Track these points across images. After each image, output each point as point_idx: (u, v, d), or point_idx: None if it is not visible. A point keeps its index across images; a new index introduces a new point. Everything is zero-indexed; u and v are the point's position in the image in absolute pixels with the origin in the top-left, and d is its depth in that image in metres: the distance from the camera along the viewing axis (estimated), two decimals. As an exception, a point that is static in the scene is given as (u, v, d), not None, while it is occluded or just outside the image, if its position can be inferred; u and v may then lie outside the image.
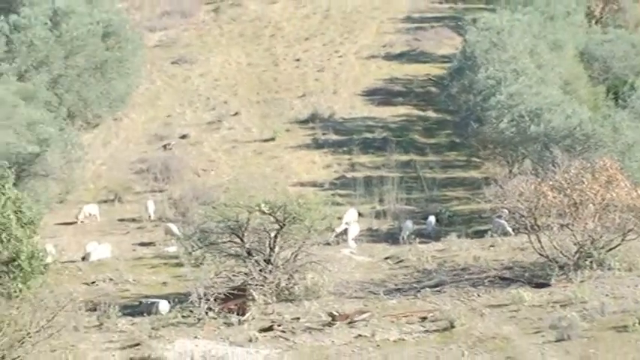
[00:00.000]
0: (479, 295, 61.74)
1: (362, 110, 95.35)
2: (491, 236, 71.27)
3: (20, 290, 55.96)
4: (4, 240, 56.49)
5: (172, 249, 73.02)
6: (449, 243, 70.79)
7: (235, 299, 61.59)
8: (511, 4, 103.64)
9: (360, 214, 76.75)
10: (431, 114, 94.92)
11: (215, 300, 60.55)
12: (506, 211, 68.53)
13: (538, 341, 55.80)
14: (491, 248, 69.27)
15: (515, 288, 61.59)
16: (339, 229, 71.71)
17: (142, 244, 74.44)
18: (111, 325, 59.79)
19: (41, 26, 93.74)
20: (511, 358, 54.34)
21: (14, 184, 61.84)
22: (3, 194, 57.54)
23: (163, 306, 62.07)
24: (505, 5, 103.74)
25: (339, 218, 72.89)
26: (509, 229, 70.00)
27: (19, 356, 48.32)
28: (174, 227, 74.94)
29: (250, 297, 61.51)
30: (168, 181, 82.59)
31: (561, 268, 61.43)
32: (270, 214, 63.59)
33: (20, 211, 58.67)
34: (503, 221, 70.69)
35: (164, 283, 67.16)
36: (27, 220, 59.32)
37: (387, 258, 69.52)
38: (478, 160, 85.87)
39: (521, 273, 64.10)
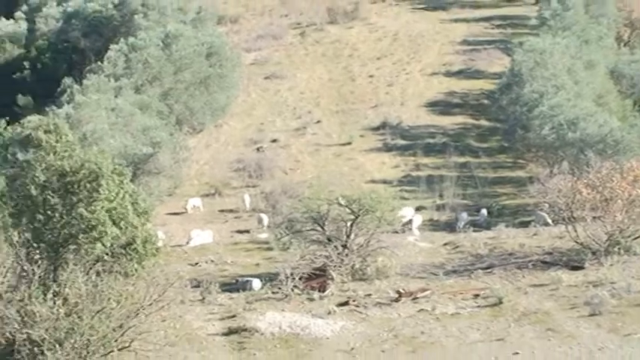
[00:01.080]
0: (523, 276, 62.38)
1: (425, 119, 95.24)
2: (534, 226, 71.34)
3: (136, 270, 56.44)
4: (123, 227, 56.95)
5: (264, 235, 73.34)
6: (498, 232, 70.94)
7: (317, 278, 61.90)
8: (552, 29, 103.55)
9: (422, 207, 76.79)
10: (483, 122, 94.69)
11: (300, 279, 60.95)
12: (547, 205, 68.76)
13: (573, 315, 56.45)
14: (534, 236, 69.41)
15: (554, 270, 62.26)
16: (404, 220, 71.69)
17: (239, 232, 74.68)
18: (212, 300, 60.23)
19: (155, 47, 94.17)
20: (551, 330, 55.03)
21: (131, 180, 62.39)
22: (122, 188, 57.98)
23: (256, 284, 62.47)
24: (547, 31, 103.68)
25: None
26: (549, 221, 70.02)
27: (134, 325, 48.61)
28: (265, 217, 75.27)
29: (329, 276, 61.81)
30: (260, 178, 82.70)
31: (593, 253, 62.32)
32: (346, 207, 63.88)
33: (136, 203, 59.22)
34: (544, 214, 70.69)
35: (257, 264, 67.44)
36: (142, 210, 59.86)
37: (445, 244, 69.71)
38: (523, 161, 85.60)
39: (560, 258, 64.41)
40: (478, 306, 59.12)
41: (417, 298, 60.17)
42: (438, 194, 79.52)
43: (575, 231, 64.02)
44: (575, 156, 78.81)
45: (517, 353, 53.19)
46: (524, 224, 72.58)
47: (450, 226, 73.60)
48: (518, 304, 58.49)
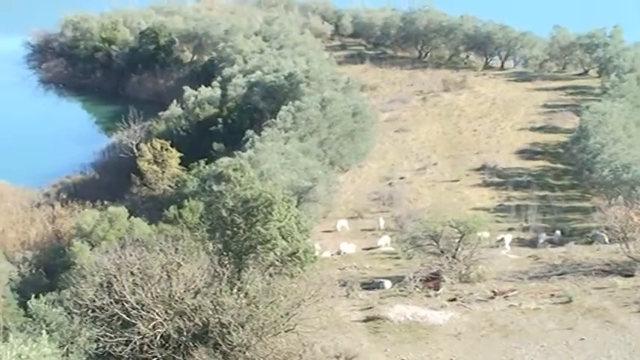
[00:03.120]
0: (588, 281, 62.56)
1: (514, 163, 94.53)
2: (596, 244, 70.61)
3: (298, 272, 56.65)
4: (289, 241, 57.25)
5: (383, 241, 73.78)
6: (569, 248, 70.37)
7: (432, 280, 61.95)
8: (611, 96, 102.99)
9: (512, 229, 76.16)
10: (559, 165, 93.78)
11: (420, 280, 61.07)
12: (606, 228, 68.52)
13: (626, 311, 56.62)
14: (596, 251, 68.78)
15: (611, 277, 62.37)
16: (498, 238, 71.47)
17: (375, 246, 74.45)
18: (354, 295, 60.54)
19: (314, 108, 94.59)
20: (609, 322, 55.43)
21: (296, 206, 62.65)
22: (289, 212, 58.28)
23: (387, 284, 62.59)
24: (607, 97, 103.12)
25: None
26: (608, 240, 69.35)
27: (297, 313, 48.69)
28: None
29: (442, 279, 61.88)
30: (391, 206, 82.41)
31: (642, 265, 61.42)
32: (455, 227, 63.72)
33: (299, 223, 59.40)
34: (603, 234, 69.98)
35: (388, 269, 67.47)
36: (303, 228, 60.07)
37: (529, 257, 69.39)
38: (588, 195, 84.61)
39: (615, 267, 64.19)
40: (553, 303, 59.02)
41: (508, 296, 60.22)
42: (524, 219, 78.72)
43: (628, 248, 64.17)
44: (628, 191, 77.83)
45: (583, 339, 53.36)
46: (589, 242, 71.80)
47: (533, 243, 72.87)
48: (584, 302, 58.43)
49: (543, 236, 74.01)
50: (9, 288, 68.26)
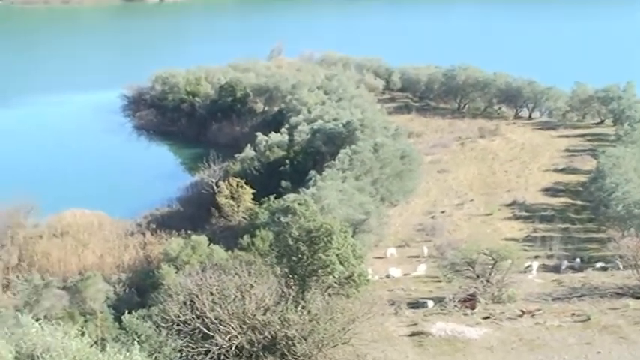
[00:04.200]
0: (604, 302, 62.18)
1: (540, 199, 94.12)
2: (611, 270, 70.21)
3: (353, 293, 56.66)
4: (346, 265, 57.31)
5: (422, 268, 73.74)
6: (587, 273, 70.34)
7: (469, 301, 61.79)
8: (624, 143, 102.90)
9: (538, 256, 75.78)
10: (578, 202, 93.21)
11: (458, 301, 60.83)
12: (620, 256, 68.27)
13: (637, 329, 56.75)
14: (611, 276, 68.74)
15: (624, 299, 62.39)
16: (526, 264, 71.18)
17: (414, 272, 74.27)
18: (401, 313, 60.69)
19: (368, 152, 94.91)
20: (622, 338, 55.74)
21: (352, 236, 62.67)
22: (346, 241, 58.40)
23: (430, 303, 62.43)
24: (621, 143, 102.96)
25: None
26: (621, 266, 68.92)
27: (352, 328, 48.80)
28: (423, 265, 75.01)
29: (477, 300, 61.65)
30: (433, 236, 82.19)
31: (651, 288, 61.11)
32: (489, 255, 63.48)
33: (355, 250, 59.49)
34: (618, 262, 69.50)
35: (430, 291, 67.37)
36: (358, 255, 60.16)
37: (552, 280, 69.20)
38: (604, 227, 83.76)
39: (628, 290, 64.07)
40: (574, 321, 58.88)
41: (534, 315, 60.13)
42: (548, 248, 78.31)
43: (639, 273, 64.25)
44: (639, 225, 77.31)
45: (599, 352, 53.82)
46: (605, 268, 71.55)
47: (556, 269, 72.48)
48: (600, 321, 58.39)
49: (565, 263, 73.77)
50: (106, 304, 68.88)
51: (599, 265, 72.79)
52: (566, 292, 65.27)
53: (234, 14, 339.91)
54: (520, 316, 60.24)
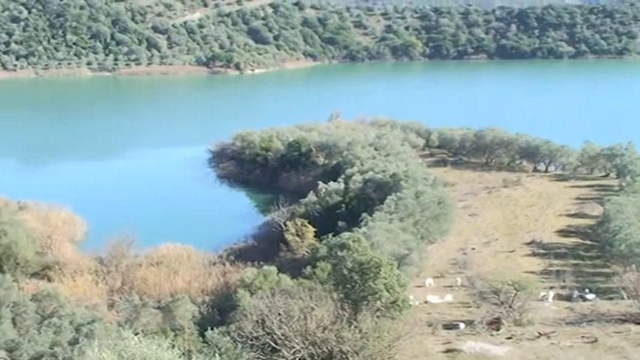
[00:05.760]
0: (609, 327, 61.44)
1: (555, 239, 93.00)
2: (616, 299, 69.07)
3: (398, 315, 56.21)
4: (392, 292, 56.96)
5: (449, 298, 72.79)
6: (595, 301, 69.47)
7: (495, 323, 61.02)
8: (626, 192, 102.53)
9: (553, 287, 74.70)
10: (587, 242, 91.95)
11: (485, 323, 59.99)
12: (623, 288, 67.50)
13: (638, 350, 54.73)
14: (616, 305, 67.79)
15: (627, 324, 61.16)
16: (543, 294, 70.18)
17: (444, 300, 73.42)
18: (437, 333, 59.90)
19: (410, 198, 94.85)
20: (625, 357, 55.05)
21: (397, 268, 62.32)
22: (392, 272, 58.15)
23: (462, 325, 61.75)
24: (623, 193, 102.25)
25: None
26: (625, 296, 67.88)
27: (396, 345, 48.35)
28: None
29: (502, 323, 60.77)
30: (465, 268, 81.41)
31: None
32: (512, 285, 62.84)
33: (399, 280, 59.04)
34: (622, 292, 68.52)
35: (462, 315, 66.77)
36: (402, 284, 59.80)
37: (565, 308, 68.19)
38: (609, 263, 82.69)
39: (630, 317, 63.05)
40: (584, 342, 58.10)
41: (549, 336, 59.24)
42: (562, 280, 77.22)
43: (639, 302, 62.69)
44: (639, 261, 76.35)
45: None
46: (610, 298, 70.37)
47: (568, 298, 71.35)
48: (606, 342, 57.63)
49: (576, 293, 72.65)
50: (192, 322, 68.99)
51: (605, 295, 71.87)
52: (577, 318, 64.57)
53: (302, 83, 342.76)
54: (538, 337, 59.59)
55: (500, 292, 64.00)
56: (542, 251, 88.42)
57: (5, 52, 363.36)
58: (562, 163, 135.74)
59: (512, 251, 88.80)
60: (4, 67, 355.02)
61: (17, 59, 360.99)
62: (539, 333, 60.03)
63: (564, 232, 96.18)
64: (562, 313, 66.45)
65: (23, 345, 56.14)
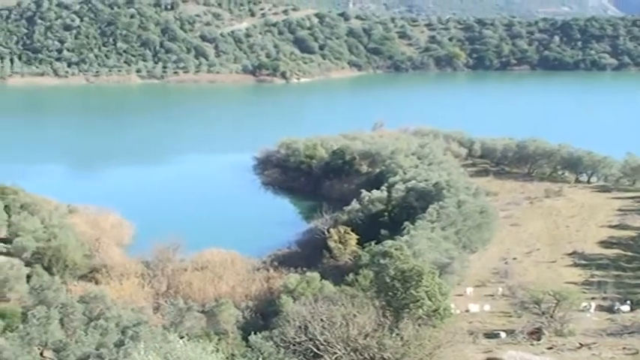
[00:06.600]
0: None
1: (597, 250, 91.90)
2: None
3: (439, 324, 55.79)
4: (433, 301, 56.58)
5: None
6: (636, 312, 68.64)
7: (535, 333, 60.55)
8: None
9: (594, 298, 73.74)
10: (629, 252, 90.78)
11: (526, 333, 59.52)
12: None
13: None
14: (657, 316, 66.27)
15: None
16: (584, 305, 69.38)
17: (496, 311, 72.80)
18: (478, 342, 59.40)
19: (452, 207, 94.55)
20: None
21: (438, 276, 61.90)
22: (433, 280, 57.76)
23: (502, 335, 61.31)
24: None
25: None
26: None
27: (437, 353, 48.05)
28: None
29: (542, 333, 60.24)
30: (506, 278, 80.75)
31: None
32: (553, 296, 62.23)
33: (440, 288, 58.64)
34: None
35: (503, 324, 66.36)
36: (443, 292, 59.34)
37: (607, 319, 67.40)
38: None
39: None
40: (625, 354, 57.67)
41: (590, 347, 58.50)
42: (603, 291, 76.16)
43: None
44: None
45: None
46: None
47: (610, 309, 70.48)
48: (648, 354, 56.40)
49: (617, 304, 71.68)
50: (236, 326, 69.08)
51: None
52: (618, 329, 63.90)
53: (347, 93, 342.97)
54: (579, 348, 58.98)
55: (542, 302, 63.54)
56: (583, 262, 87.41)
57: (57, 59, 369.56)
58: (604, 175, 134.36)
59: (554, 261, 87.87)
60: (57, 74, 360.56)
61: (69, 66, 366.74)
62: (580, 344, 59.38)
63: (606, 244, 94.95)
64: (603, 324, 65.73)
65: (70, 346, 56.58)
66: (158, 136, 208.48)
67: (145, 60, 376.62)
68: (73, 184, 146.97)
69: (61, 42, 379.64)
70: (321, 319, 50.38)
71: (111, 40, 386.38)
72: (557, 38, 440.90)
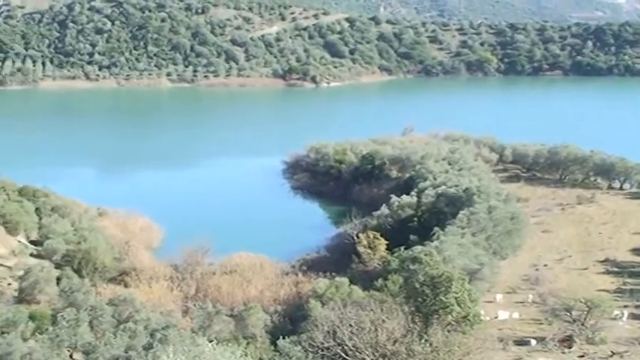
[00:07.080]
0: None
1: (629, 257, 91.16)
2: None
3: (468, 330, 55.51)
4: (463, 307, 56.28)
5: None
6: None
7: (566, 341, 60.14)
8: None
9: (627, 306, 73.06)
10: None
11: (557, 341, 59.11)
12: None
13: None
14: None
15: None
16: (616, 313, 68.79)
17: (526, 318, 72.40)
18: (508, 349, 59.37)
19: (483, 213, 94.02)
20: None
21: (468, 282, 61.57)
22: (463, 286, 57.42)
23: (533, 342, 61.02)
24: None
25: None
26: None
27: (467, 359, 47.84)
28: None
29: (574, 341, 59.83)
30: (537, 285, 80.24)
31: None
32: (584, 303, 61.78)
33: (470, 294, 58.36)
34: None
35: (534, 331, 65.95)
36: (473, 298, 59.02)
37: (639, 327, 66.27)
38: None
39: None
40: None
41: (622, 356, 57.86)
42: (636, 299, 75.46)
43: None
44: None
45: None
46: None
47: (643, 317, 70.03)
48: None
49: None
50: (264, 331, 69.19)
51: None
52: (651, 336, 63.21)
53: (377, 97, 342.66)
54: (610, 356, 58.50)
55: (573, 310, 63.12)
56: (616, 269, 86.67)
57: (89, 63, 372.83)
58: (637, 181, 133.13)
59: (586, 269, 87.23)
60: (88, 77, 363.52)
61: (100, 69, 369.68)
62: (612, 352, 58.85)
63: (639, 251, 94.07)
64: (636, 332, 65.05)
65: (99, 348, 56.96)
66: (188, 139, 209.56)
67: (175, 64, 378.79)
68: (102, 187, 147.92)
69: (93, 45, 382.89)
70: (350, 325, 50.32)
71: (142, 43, 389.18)
72: (590, 43, 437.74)
